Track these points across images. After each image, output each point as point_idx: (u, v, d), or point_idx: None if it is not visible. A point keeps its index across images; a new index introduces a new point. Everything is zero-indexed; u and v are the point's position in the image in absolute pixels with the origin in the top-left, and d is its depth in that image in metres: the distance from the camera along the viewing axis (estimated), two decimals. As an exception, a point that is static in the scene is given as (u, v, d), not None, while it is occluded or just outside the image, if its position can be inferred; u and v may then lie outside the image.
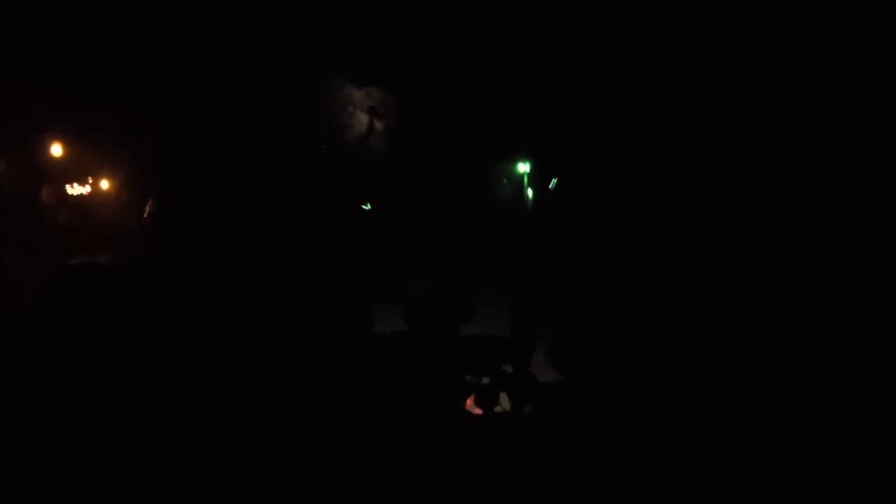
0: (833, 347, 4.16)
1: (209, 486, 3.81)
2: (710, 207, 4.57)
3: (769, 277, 4.36)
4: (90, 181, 4.99)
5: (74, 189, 5.03)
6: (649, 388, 4.21)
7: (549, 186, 4.64)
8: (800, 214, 4.49)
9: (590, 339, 4.45)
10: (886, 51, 4.44)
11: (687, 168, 4.59)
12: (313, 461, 3.91)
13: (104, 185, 5.00)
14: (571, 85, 4.74)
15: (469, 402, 4.33)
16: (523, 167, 5.34)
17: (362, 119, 4.76)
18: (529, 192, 5.23)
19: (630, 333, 4.41)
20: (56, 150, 4.98)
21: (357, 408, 4.12)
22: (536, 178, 4.90)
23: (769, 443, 3.93)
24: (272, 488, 3.84)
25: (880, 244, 4.32)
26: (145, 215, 4.67)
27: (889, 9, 4.38)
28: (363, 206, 4.78)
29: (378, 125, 4.69)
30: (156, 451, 3.89)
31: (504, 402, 4.29)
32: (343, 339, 4.39)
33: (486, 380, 4.36)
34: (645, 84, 4.66)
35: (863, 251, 4.36)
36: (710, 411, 4.08)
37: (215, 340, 4.25)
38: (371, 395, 4.18)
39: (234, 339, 4.27)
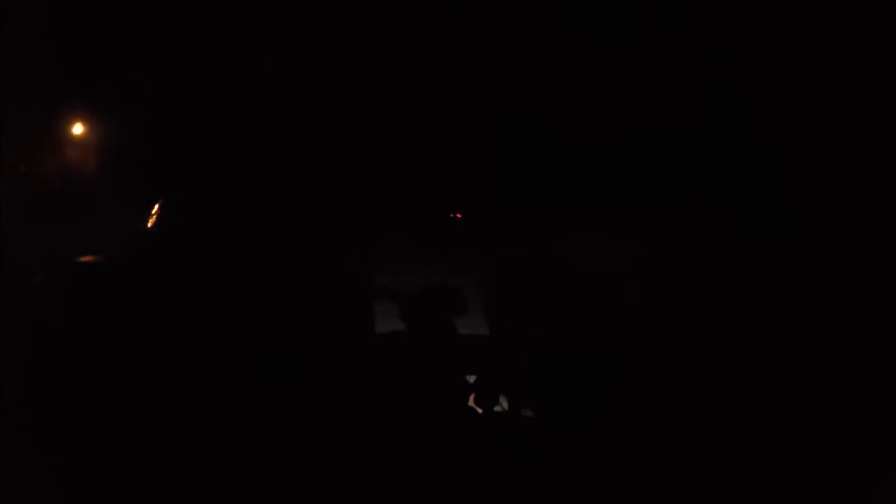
0: (832, 348, 4.17)
1: (210, 486, 3.83)
2: (708, 207, 4.59)
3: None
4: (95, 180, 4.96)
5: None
6: (649, 386, 4.22)
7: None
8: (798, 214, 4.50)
9: (588, 337, 4.46)
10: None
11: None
12: (314, 461, 3.94)
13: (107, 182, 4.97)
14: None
15: (470, 401, 4.36)
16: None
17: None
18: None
19: (629, 333, 4.42)
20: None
21: (357, 408, 4.15)
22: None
23: (770, 443, 3.94)
24: (273, 488, 3.86)
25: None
26: (153, 214, 4.68)
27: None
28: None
29: None
30: (157, 451, 3.92)
31: (504, 403, 4.32)
32: (342, 339, 4.42)
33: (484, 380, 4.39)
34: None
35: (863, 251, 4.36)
36: (709, 411, 4.09)
37: (216, 340, 4.27)
38: (371, 395, 4.21)
39: (235, 339, 4.29)
